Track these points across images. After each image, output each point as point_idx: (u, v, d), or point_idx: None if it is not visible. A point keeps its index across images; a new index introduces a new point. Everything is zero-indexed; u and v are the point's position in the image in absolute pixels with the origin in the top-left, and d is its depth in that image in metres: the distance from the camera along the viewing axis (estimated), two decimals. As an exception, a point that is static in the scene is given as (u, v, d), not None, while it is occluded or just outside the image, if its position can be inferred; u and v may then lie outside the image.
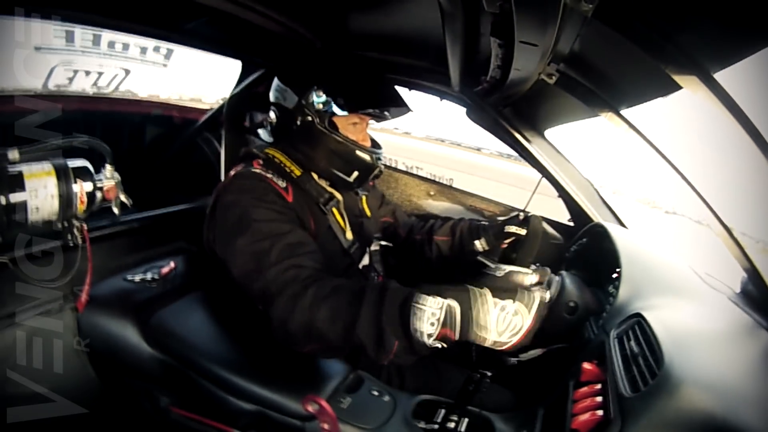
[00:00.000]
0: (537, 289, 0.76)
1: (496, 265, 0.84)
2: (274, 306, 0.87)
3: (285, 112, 1.11)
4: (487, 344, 0.74)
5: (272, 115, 1.14)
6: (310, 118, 1.08)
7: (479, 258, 0.91)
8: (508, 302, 0.73)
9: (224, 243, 1.01)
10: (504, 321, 0.72)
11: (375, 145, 1.19)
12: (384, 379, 1.06)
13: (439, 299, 0.75)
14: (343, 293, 0.84)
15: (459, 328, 0.74)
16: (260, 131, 1.22)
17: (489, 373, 0.83)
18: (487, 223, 1.28)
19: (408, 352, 0.77)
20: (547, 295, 0.76)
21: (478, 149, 3.85)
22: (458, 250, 1.31)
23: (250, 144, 1.38)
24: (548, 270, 0.85)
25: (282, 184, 1.06)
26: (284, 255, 0.91)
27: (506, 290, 0.75)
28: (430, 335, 0.74)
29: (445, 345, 0.76)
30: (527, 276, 0.83)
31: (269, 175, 1.06)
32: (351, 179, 1.13)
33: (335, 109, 1.08)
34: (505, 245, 1.21)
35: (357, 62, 1.27)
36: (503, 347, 0.73)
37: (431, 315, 0.74)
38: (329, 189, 1.15)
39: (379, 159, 1.15)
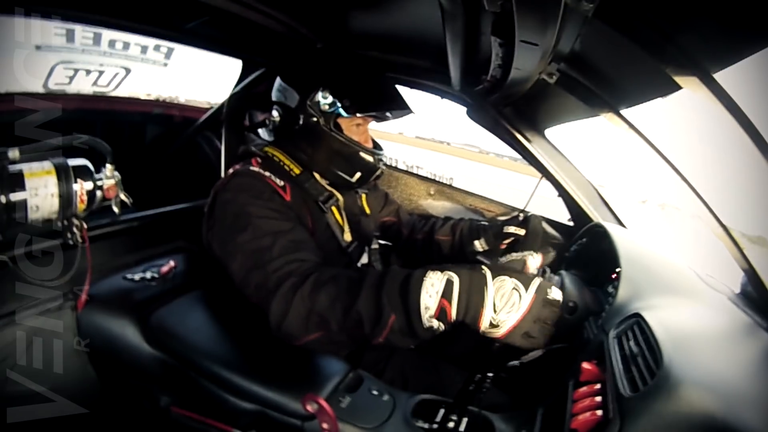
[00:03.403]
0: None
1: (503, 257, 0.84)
2: (273, 298, 0.86)
3: (288, 111, 1.11)
4: (484, 325, 0.72)
5: (275, 114, 1.13)
6: (314, 119, 1.08)
7: (479, 258, 0.92)
8: (506, 278, 0.73)
9: (223, 241, 1.00)
10: (502, 297, 0.72)
11: (376, 146, 1.20)
12: (387, 381, 1.06)
13: (439, 272, 0.76)
14: (344, 278, 0.85)
15: (457, 300, 0.73)
16: (260, 130, 1.22)
17: (490, 375, 0.83)
18: (487, 224, 1.29)
19: (405, 330, 0.77)
20: (554, 290, 0.74)
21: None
22: (458, 249, 1.31)
23: (249, 143, 1.38)
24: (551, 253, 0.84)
25: (280, 182, 1.06)
26: (286, 251, 0.91)
27: (506, 270, 0.75)
28: (427, 308, 0.74)
29: (443, 326, 0.75)
30: (530, 258, 0.83)
31: (267, 174, 1.06)
32: (353, 180, 1.13)
33: (341, 110, 1.08)
34: (505, 246, 1.21)
35: (361, 63, 1.27)
36: (499, 332, 0.72)
37: (430, 286, 0.75)
38: (329, 188, 1.15)
39: (381, 160, 1.15)
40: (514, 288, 0.72)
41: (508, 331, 0.71)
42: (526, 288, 0.71)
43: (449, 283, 0.74)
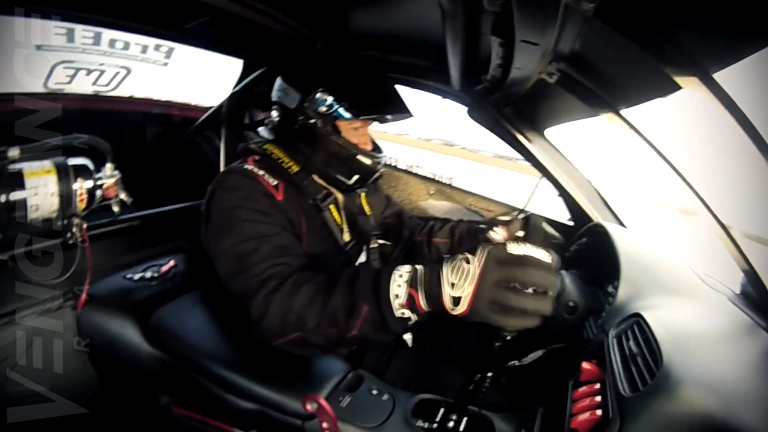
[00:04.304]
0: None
1: None
2: (254, 299, 0.87)
3: (287, 111, 1.11)
4: (448, 305, 0.69)
5: (274, 114, 1.13)
6: (312, 120, 1.08)
7: None
8: (458, 255, 0.71)
9: (211, 242, 1.01)
10: (455, 270, 0.69)
11: (376, 147, 1.19)
12: (388, 382, 1.06)
13: (408, 266, 0.77)
14: (322, 278, 0.86)
15: (424, 288, 0.72)
16: (260, 129, 1.22)
17: (490, 375, 0.83)
18: (485, 226, 1.28)
19: (377, 321, 0.77)
20: (513, 247, 0.68)
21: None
22: (457, 252, 1.31)
23: (248, 141, 1.38)
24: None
25: (273, 182, 1.06)
26: (269, 256, 0.92)
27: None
28: (397, 296, 0.74)
29: (415, 316, 0.75)
30: (491, 233, 0.87)
31: (261, 173, 1.06)
32: (350, 182, 1.13)
33: (340, 112, 1.07)
34: None
35: (361, 64, 1.26)
36: (463, 307, 0.68)
37: (399, 277, 0.76)
38: (327, 187, 1.15)
39: (380, 163, 1.15)
40: (462, 258, 0.69)
41: (469, 303, 0.67)
42: (478, 258, 0.68)
43: (415, 272, 0.75)
